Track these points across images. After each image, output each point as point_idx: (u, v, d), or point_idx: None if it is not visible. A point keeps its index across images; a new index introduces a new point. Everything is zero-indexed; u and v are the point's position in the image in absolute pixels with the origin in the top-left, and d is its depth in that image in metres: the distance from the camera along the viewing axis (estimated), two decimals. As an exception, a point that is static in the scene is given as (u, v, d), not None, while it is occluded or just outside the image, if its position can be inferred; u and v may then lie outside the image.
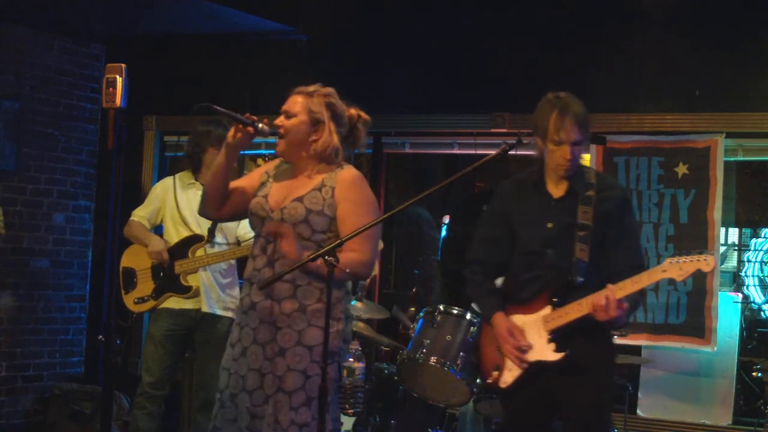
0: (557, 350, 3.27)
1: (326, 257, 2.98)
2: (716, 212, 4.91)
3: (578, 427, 3.34)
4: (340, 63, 5.93)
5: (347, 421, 4.67)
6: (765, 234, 6.14)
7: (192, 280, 4.60)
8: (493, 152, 3.31)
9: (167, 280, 4.62)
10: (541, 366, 3.30)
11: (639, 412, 5.05)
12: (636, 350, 4.99)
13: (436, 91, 5.68)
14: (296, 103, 3.39)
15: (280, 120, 3.39)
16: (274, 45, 6.14)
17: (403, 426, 4.52)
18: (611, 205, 3.33)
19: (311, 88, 3.41)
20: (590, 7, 5.25)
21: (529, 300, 3.36)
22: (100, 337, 3.31)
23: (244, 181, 3.50)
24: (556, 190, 3.38)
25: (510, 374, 3.37)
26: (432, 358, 4.11)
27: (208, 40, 6.27)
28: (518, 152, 3.32)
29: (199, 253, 4.58)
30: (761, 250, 6.08)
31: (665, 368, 5.04)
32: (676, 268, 3.14)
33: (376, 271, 4.87)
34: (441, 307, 4.29)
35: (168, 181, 4.81)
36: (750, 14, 4.94)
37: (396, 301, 5.73)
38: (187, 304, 4.60)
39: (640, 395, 5.06)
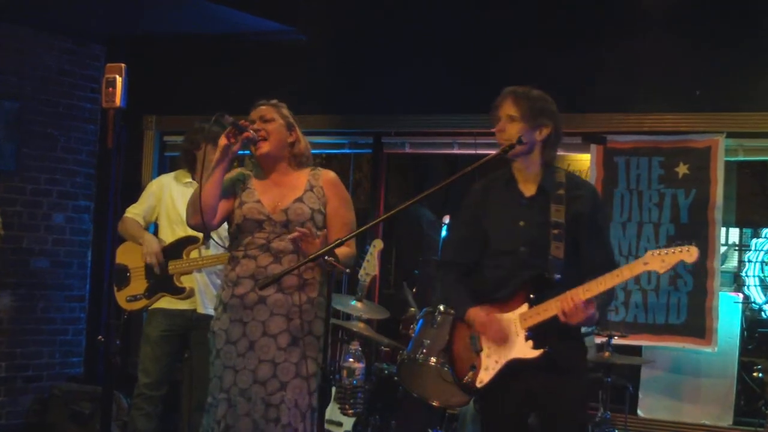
0: (535, 347, 3.27)
1: (326, 257, 3.09)
2: (717, 212, 4.91)
3: (559, 425, 3.33)
4: (340, 63, 5.94)
5: (347, 421, 4.67)
6: (765, 234, 6.13)
7: (186, 281, 4.59)
8: (493, 152, 3.33)
9: (160, 279, 4.61)
10: (518, 364, 3.29)
11: (639, 412, 5.05)
12: (636, 350, 4.99)
13: (436, 91, 5.68)
14: (267, 110, 3.64)
15: (259, 124, 3.59)
16: (274, 45, 6.14)
17: (403, 426, 4.52)
18: (582, 204, 3.35)
19: (273, 101, 3.69)
20: (590, 7, 5.25)
21: (505, 299, 3.35)
22: (100, 337, 3.32)
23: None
24: (527, 189, 3.39)
25: (486, 373, 3.35)
26: (432, 358, 4.12)
27: (208, 40, 6.27)
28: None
29: (194, 254, 4.58)
30: (762, 250, 6.08)
31: (666, 368, 5.04)
32: (658, 260, 3.12)
33: (376, 271, 4.87)
34: (441, 308, 4.30)
35: (164, 179, 4.82)
36: (750, 14, 4.94)
37: (396, 301, 5.73)
38: (182, 305, 4.59)
39: (640, 395, 5.06)
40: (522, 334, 3.29)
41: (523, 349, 3.28)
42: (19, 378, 6.15)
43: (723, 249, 5.58)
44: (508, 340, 3.31)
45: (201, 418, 4.64)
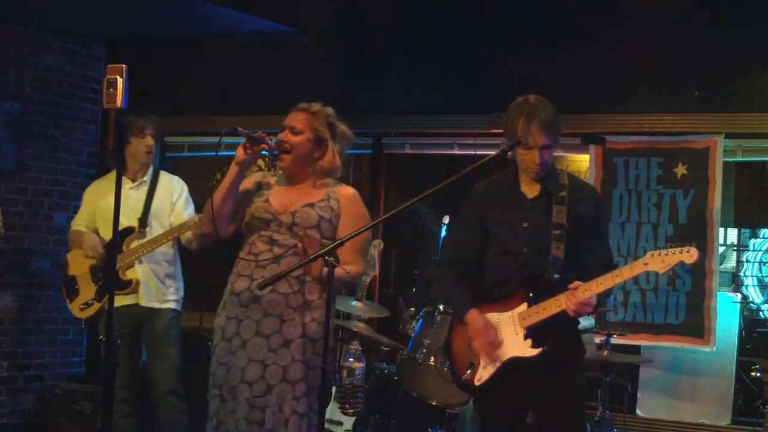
0: (533, 346, 3.29)
1: (326, 258, 3.09)
2: (715, 213, 4.92)
3: (557, 424, 3.36)
4: (340, 63, 5.95)
5: (347, 421, 4.68)
6: (763, 234, 6.15)
7: (131, 274, 4.57)
8: (492, 152, 3.35)
9: (107, 279, 4.59)
10: (517, 363, 3.33)
11: (638, 411, 5.07)
12: (635, 350, 5.00)
13: (436, 91, 5.69)
14: (300, 119, 3.52)
15: (285, 135, 3.50)
16: (274, 45, 6.14)
17: (403, 426, 4.53)
18: (585, 205, 3.40)
19: (315, 108, 3.55)
20: (590, 7, 5.26)
21: (504, 298, 3.39)
22: (101, 337, 3.33)
23: (241, 194, 3.56)
24: (530, 191, 3.43)
25: (485, 371, 3.38)
26: (432, 358, 4.13)
27: (209, 41, 6.28)
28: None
29: (134, 245, 4.58)
30: (760, 250, 6.09)
31: (664, 368, 5.05)
32: (658, 260, 3.16)
33: (376, 271, 4.89)
34: (441, 308, 4.31)
35: (95, 184, 4.88)
36: (749, 14, 4.95)
37: (396, 302, 5.74)
38: (126, 300, 4.56)
39: (639, 395, 5.07)
40: (521, 332, 3.33)
41: (522, 348, 3.31)
42: (21, 377, 6.16)
43: (721, 249, 5.61)
44: (500, 347, 3.34)
45: (160, 414, 4.62)
